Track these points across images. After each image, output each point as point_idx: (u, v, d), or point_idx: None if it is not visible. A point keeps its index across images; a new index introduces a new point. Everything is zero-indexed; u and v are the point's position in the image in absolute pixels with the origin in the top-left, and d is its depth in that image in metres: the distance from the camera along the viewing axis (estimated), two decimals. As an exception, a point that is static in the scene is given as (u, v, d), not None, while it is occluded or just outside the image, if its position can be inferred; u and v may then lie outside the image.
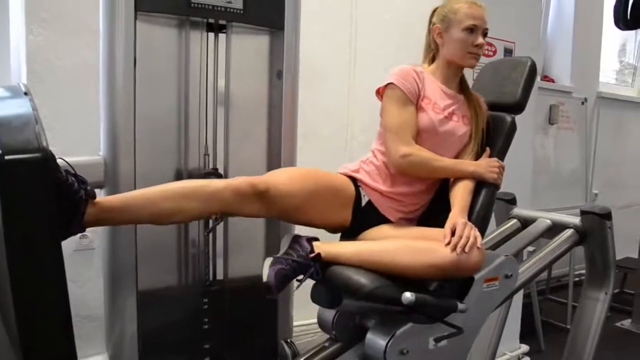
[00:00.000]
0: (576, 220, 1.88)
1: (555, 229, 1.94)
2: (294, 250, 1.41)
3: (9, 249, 0.91)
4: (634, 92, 5.13)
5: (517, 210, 2.13)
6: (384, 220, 1.60)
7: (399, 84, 1.56)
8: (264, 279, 1.35)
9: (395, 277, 1.39)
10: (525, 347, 2.92)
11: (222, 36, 1.67)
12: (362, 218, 1.59)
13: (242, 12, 1.61)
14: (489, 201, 1.59)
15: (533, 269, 1.77)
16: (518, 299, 2.77)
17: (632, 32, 4.93)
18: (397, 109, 1.56)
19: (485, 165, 1.59)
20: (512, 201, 2.16)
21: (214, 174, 1.68)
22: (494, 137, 1.67)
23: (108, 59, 1.49)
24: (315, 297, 1.46)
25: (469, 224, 1.42)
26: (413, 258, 1.38)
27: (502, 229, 2.07)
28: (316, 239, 1.46)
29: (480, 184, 1.59)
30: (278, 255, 1.41)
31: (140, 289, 1.52)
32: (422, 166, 1.56)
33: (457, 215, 1.46)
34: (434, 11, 1.68)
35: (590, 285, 1.91)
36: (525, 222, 2.06)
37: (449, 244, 1.37)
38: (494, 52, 2.47)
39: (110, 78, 1.49)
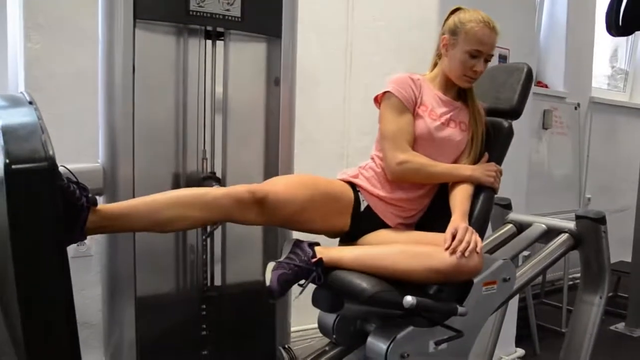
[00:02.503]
0: (571, 224, 1.90)
1: (551, 233, 1.96)
2: (295, 255, 1.43)
3: (15, 257, 0.91)
4: (625, 97, 5.18)
5: (512, 215, 2.15)
6: (383, 225, 1.62)
7: (395, 92, 1.58)
8: (267, 283, 1.36)
9: (396, 282, 1.40)
10: (520, 351, 2.94)
11: (219, 43, 1.68)
12: (361, 223, 1.60)
13: (240, 19, 1.62)
14: (487, 206, 1.62)
15: (529, 273, 1.79)
16: (513, 303, 2.79)
17: (624, 38, 4.98)
18: (394, 116, 1.58)
19: (482, 170, 1.61)
20: (507, 206, 2.17)
21: (212, 178, 1.68)
22: (492, 142, 1.69)
23: (107, 66, 1.49)
24: (316, 301, 1.48)
25: (470, 228, 1.44)
26: (414, 262, 1.40)
27: (497, 234, 2.09)
28: (317, 244, 1.48)
29: (479, 188, 1.61)
30: (280, 259, 1.43)
31: (139, 295, 1.52)
32: (419, 172, 1.58)
33: (458, 219, 1.48)
34: (452, 13, 1.66)
35: (586, 289, 1.93)
36: (521, 227, 2.08)
37: (449, 247, 1.39)
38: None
39: (109, 85, 1.49)
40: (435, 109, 1.62)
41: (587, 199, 4.50)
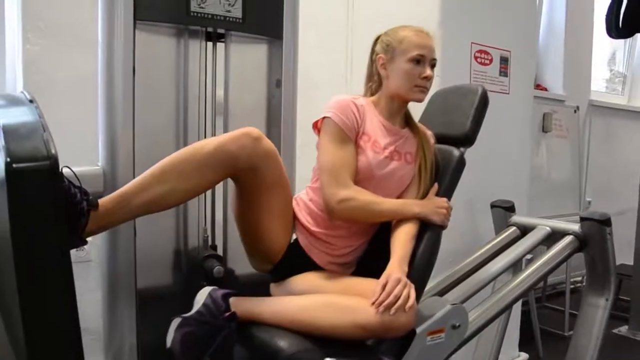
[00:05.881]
0: (575, 227, 1.89)
1: (555, 236, 1.94)
2: (206, 309, 1.31)
3: (17, 259, 0.88)
4: (624, 100, 5.19)
5: (515, 218, 2.13)
6: (312, 265, 1.48)
7: (336, 118, 1.44)
8: (168, 344, 1.26)
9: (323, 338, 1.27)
10: (524, 355, 2.92)
11: (220, 45, 1.66)
12: (291, 256, 1.48)
13: (241, 21, 1.60)
14: (433, 246, 1.47)
15: (534, 276, 1.77)
16: (516, 307, 2.77)
17: (622, 41, 5.00)
18: (334, 146, 1.43)
19: (432, 206, 1.46)
20: (510, 209, 2.16)
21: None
22: (441, 173, 1.56)
23: (107, 69, 1.47)
24: (236, 359, 1.35)
25: (403, 280, 1.28)
26: (336, 317, 1.26)
27: (501, 237, 2.07)
28: (234, 294, 1.37)
29: (425, 225, 1.47)
30: (188, 314, 1.32)
31: (140, 300, 1.50)
32: (362, 211, 1.43)
33: (394, 267, 1.32)
34: (377, 39, 1.58)
35: (591, 291, 1.92)
36: (524, 230, 2.06)
37: (375, 302, 1.24)
38: (490, 61, 2.48)
39: (109, 88, 1.47)
40: (379, 140, 1.48)
41: (588, 202, 4.48)
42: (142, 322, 1.49)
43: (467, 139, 1.58)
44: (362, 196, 1.42)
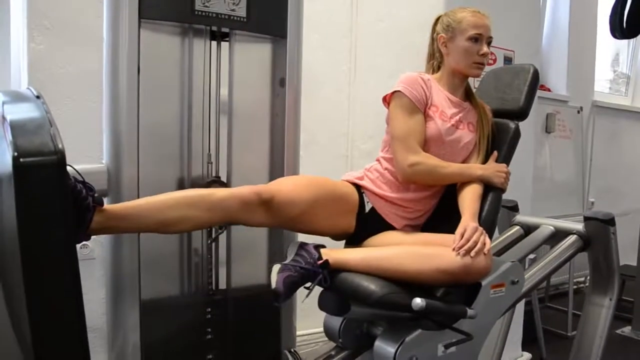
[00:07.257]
0: (579, 226, 1.88)
1: (559, 235, 1.94)
2: (301, 257, 1.40)
3: (24, 253, 0.89)
4: (627, 100, 5.17)
5: (519, 217, 2.13)
6: (388, 227, 1.60)
7: (406, 92, 1.56)
8: (273, 285, 1.34)
9: (404, 283, 1.38)
10: (527, 355, 2.91)
11: (224, 44, 1.66)
12: (366, 225, 1.59)
13: (245, 20, 1.60)
14: (495, 206, 1.61)
15: (538, 275, 1.77)
16: (519, 307, 2.77)
17: (625, 42, 4.99)
18: (405, 117, 1.56)
19: (493, 169, 1.61)
20: (514, 208, 2.16)
21: (217, 182, 1.67)
22: (499, 143, 1.69)
23: (112, 67, 1.48)
24: (323, 304, 1.45)
25: (480, 228, 1.42)
26: (421, 263, 1.38)
27: (505, 236, 2.07)
28: (323, 246, 1.46)
29: (487, 188, 1.60)
30: (286, 262, 1.40)
31: (143, 299, 1.50)
32: (430, 174, 1.57)
33: (468, 219, 1.46)
34: (437, 20, 1.69)
35: (595, 291, 1.91)
36: (528, 229, 2.06)
37: (457, 247, 1.37)
38: (494, 61, 2.49)
39: (114, 86, 1.48)
40: (445, 110, 1.61)
41: (591, 203, 4.47)
42: (145, 320, 1.50)
43: (521, 113, 1.72)
44: (430, 161, 1.56)
